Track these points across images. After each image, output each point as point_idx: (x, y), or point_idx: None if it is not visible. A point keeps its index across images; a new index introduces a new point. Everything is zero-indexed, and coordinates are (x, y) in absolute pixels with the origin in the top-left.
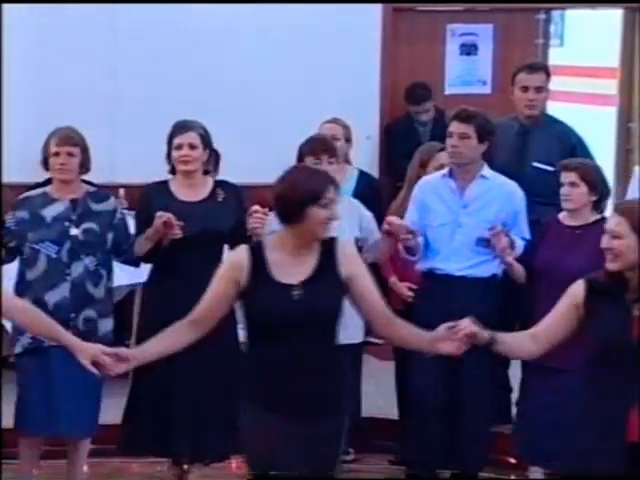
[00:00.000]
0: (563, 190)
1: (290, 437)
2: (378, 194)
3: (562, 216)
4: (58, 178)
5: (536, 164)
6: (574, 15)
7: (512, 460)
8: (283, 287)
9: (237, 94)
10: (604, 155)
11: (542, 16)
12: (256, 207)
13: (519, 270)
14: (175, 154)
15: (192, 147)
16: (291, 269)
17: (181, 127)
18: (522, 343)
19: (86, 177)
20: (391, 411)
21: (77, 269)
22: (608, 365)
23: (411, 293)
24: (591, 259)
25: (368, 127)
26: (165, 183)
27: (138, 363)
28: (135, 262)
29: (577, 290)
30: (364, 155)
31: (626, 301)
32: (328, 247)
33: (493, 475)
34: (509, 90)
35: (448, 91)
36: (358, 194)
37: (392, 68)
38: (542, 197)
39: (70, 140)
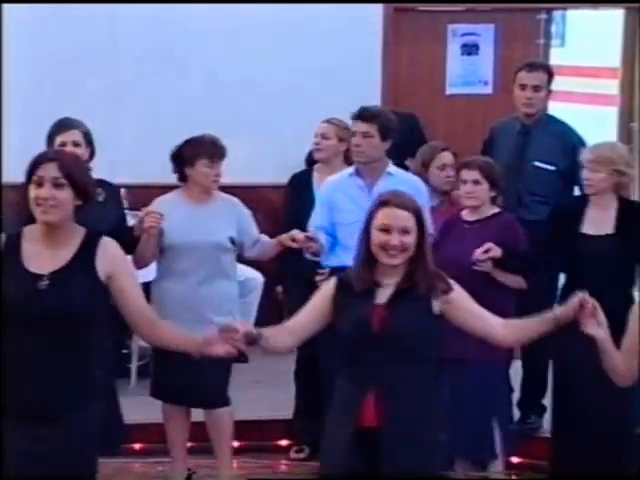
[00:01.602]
0: (466, 188)
1: (34, 441)
2: None
3: (464, 212)
4: None
5: (537, 163)
6: (575, 15)
7: (514, 460)
8: (31, 276)
9: (238, 95)
10: None
11: (543, 16)
12: (151, 208)
13: None
14: None
15: (76, 145)
16: (44, 260)
17: (63, 125)
18: (279, 337)
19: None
20: None
21: None
22: (353, 356)
23: None
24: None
25: None
26: None
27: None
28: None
29: (330, 285)
30: None
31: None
32: (89, 242)
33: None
34: (510, 90)
35: (449, 91)
36: None
37: (393, 68)
38: (543, 196)
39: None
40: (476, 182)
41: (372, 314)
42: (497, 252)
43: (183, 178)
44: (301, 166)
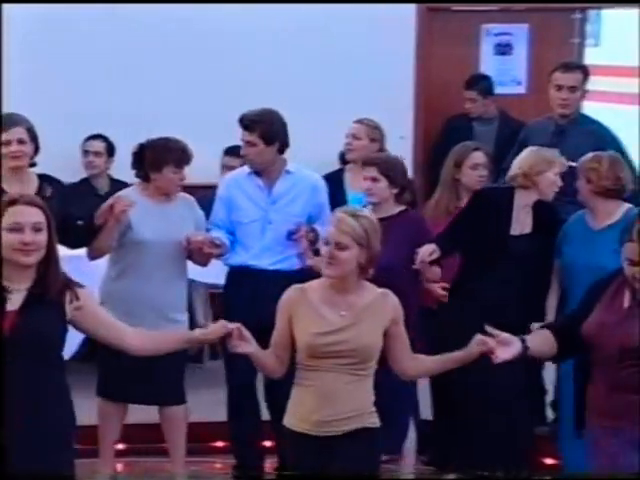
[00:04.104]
0: (364, 185)
1: None
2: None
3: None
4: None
5: (571, 163)
6: (610, 14)
7: (549, 461)
8: None
9: (270, 94)
10: None
11: (578, 16)
12: (119, 195)
13: (318, 264)
14: (3, 150)
15: (21, 142)
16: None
17: (7, 122)
18: None
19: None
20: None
21: None
22: None
23: (445, 293)
24: (397, 250)
25: (402, 127)
26: None
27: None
28: None
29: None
30: (398, 155)
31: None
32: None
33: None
34: (544, 90)
35: None
36: None
37: (426, 68)
38: (573, 196)
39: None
40: (374, 179)
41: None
42: (437, 253)
43: (146, 179)
44: (334, 166)
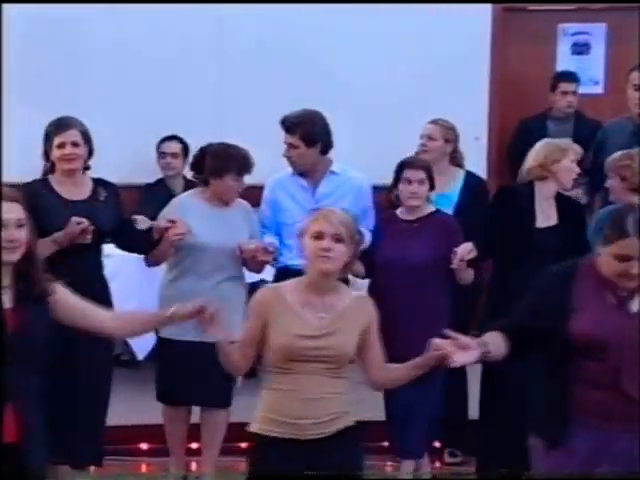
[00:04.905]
0: (411, 187)
1: None
2: (485, 196)
3: (399, 211)
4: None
5: None
6: None
7: None
8: None
9: (350, 94)
10: None
11: None
12: (171, 212)
13: (357, 267)
14: (57, 153)
15: (75, 145)
16: None
17: (61, 125)
18: None
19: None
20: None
21: None
22: None
23: None
24: (432, 249)
25: (477, 128)
26: (45, 181)
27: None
28: None
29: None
30: (472, 156)
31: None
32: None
33: None
34: (621, 90)
35: None
36: (464, 195)
37: (502, 69)
38: None
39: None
40: (421, 182)
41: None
42: (475, 252)
43: (205, 183)
44: None
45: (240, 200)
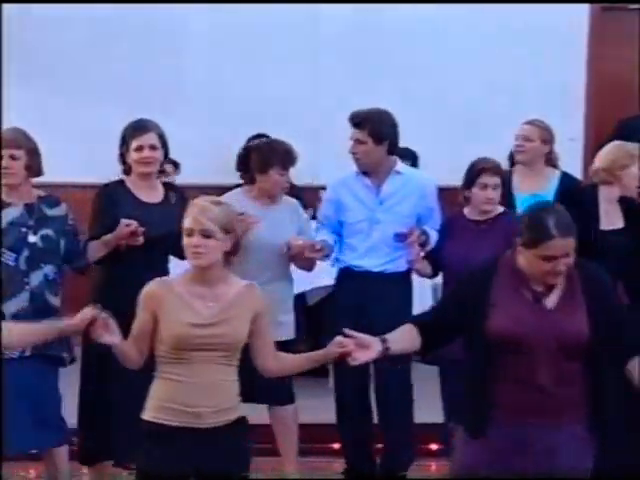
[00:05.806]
0: (487, 193)
1: None
2: (580, 196)
3: (467, 211)
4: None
5: None
6: None
7: None
8: None
9: (441, 92)
10: None
11: None
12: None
13: (424, 268)
14: (135, 155)
15: (153, 148)
16: None
17: (139, 128)
18: None
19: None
20: None
21: (36, 278)
22: None
23: None
24: (498, 251)
25: (572, 129)
26: (122, 183)
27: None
28: (84, 268)
29: None
30: (566, 157)
31: None
32: None
33: None
34: None
35: None
36: (559, 196)
37: (599, 69)
38: None
39: (12, 143)
40: (496, 187)
41: None
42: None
43: (252, 181)
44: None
45: (287, 198)
